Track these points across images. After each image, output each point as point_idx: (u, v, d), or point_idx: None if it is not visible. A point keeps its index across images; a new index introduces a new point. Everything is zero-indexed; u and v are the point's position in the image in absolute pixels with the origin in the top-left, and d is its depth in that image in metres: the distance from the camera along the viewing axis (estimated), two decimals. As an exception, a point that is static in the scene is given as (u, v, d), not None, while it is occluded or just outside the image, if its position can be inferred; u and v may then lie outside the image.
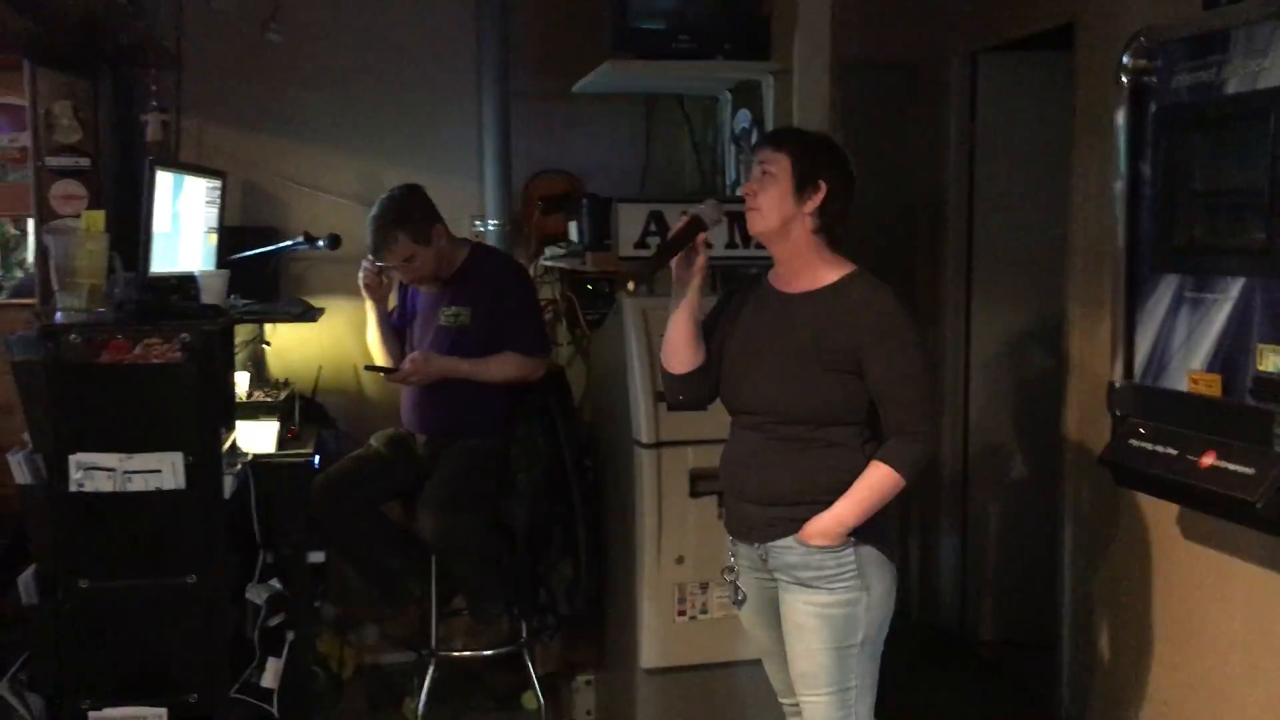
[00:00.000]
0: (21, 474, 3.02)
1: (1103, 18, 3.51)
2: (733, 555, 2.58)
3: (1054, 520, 3.82)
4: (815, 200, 2.37)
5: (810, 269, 2.42)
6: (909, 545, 4.85)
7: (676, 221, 2.48)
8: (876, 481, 2.33)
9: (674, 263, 2.45)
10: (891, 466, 2.33)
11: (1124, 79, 2.85)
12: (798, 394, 2.37)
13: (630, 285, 2.52)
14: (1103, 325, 3.37)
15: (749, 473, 2.45)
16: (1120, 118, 2.87)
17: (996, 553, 4.59)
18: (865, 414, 2.37)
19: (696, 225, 2.43)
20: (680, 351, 2.52)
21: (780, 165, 2.37)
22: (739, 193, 2.50)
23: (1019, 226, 4.43)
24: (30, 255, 6.52)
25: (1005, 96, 4.45)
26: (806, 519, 2.35)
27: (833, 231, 2.42)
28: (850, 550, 2.35)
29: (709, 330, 2.55)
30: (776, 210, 2.37)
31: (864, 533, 2.36)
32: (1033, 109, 4.35)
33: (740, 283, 2.73)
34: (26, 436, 3.12)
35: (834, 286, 2.39)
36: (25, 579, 3.10)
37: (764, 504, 2.43)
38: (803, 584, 2.39)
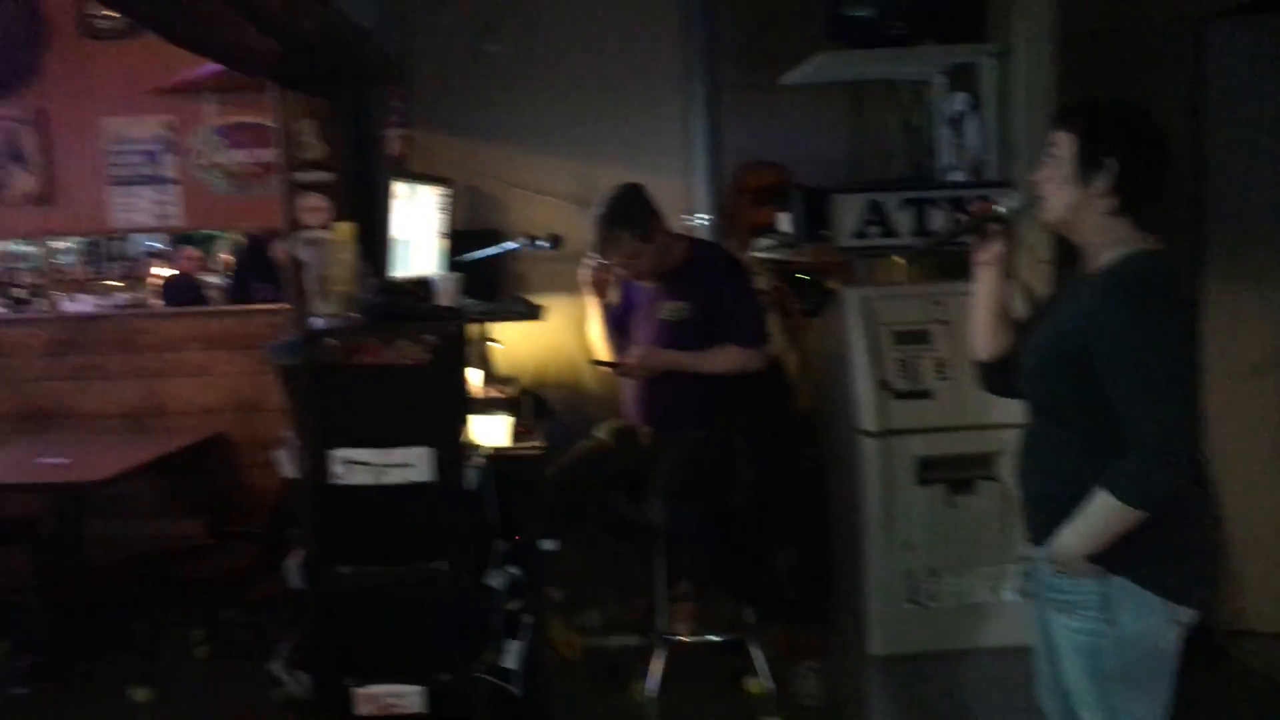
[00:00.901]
0: (288, 468, 3.26)
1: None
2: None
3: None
4: (1104, 181, 2.12)
5: (1098, 252, 2.18)
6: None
7: (973, 206, 2.38)
8: (1098, 508, 2.07)
9: (974, 245, 2.36)
10: (1112, 493, 2.05)
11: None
12: (1038, 381, 2.22)
13: (899, 260, 2.46)
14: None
15: (1019, 463, 2.33)
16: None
17: (1231, 541, 4.39)
18: (1109, 418, 2.08)
19: (989, 215, 2.31)
20: (979, 337, 2.42)
21: (1064, 145, 2.15)
22: (1031, 178, 2.28)
23: (1258, 208, 4.19)
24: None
25: (1237, 64, 4.23)
26: (1054, 528, 2.16)
27: (1140, 209, 2.14)
28: (1092, 579, 2.14)
29: (1030, 319, 2.40)
30: (1061, 199, 2.17)
31: (1116, 561, 2.10)
32: (1266, 76, 4.12)
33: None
34: (289, 433, 3.36)
35: (1101, 270, 2.16)
36: (291, 564, 3.34)
37: (1027, 503, 2.31)
38: (1055, 605, 2.25)
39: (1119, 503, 2.05)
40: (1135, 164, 2.12)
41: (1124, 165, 2.11)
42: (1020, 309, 2.48)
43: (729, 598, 3.77)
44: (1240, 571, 4.35)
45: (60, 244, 5.83)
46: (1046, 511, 2.20)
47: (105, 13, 4.67)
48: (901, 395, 3.26)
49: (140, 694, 4.03)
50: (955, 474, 3.25)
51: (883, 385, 3.27)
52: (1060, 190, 2.17)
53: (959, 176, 3.89)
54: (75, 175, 4.85)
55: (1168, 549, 2.13)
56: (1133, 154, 2.12)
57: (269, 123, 4.21)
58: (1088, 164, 2.13)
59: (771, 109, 4.49)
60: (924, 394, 3.27)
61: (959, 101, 3.88)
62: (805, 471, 3.77)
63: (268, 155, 4.57)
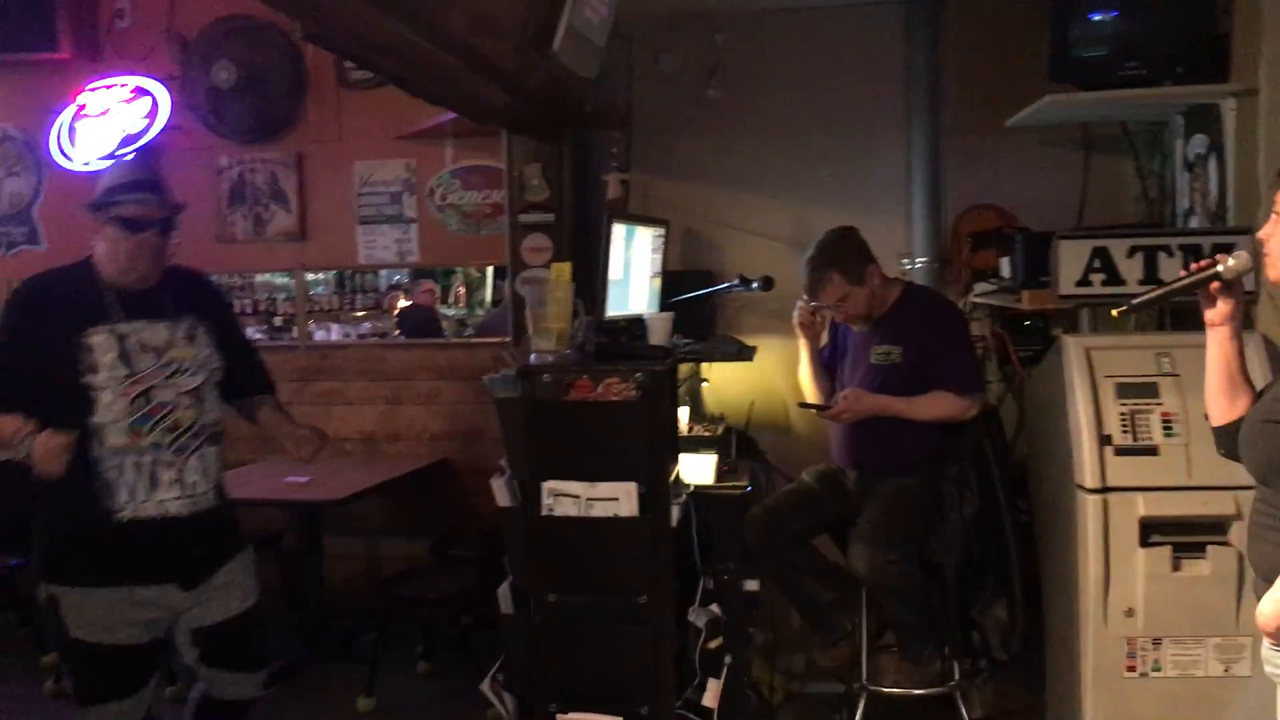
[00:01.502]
0: (502, 497, 3.40)
1: None
2: None
3: None
4: None
5: None
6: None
7: (1194, 264, 2.28)
8: None
9: (1202, 306, 2.27)
10: None
11: None
12: (1257, 449, 2.13)
13: (1114, 312, 2.37)
14: None
15: (1248, 537, 2.22)
16: None
17: None
18: None
19: (1209, 272, 2.23)
20: (1212, 400, 2.33)
21: None
22: (1257, 235, 2.20)
23: None
24: (488, 296, 7.32)
25: None
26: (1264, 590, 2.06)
27: None
28: None
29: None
30: None
31: None
32: None
33: None
34: (504, 463, 3.52)
35: None
36: (504, 590, 3.48)
37: (1258, 578, 2.19)
38: (1269, 665, 2.14)
39: None
40: None
41: None
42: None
43: (935, 651, 3.66)
44: None
45: (313, 276, 6.28)
46: (1263, 578, 2.09)
47: (359, 65, 5.04)
48: (1124, 451, 3.11)
49: (364, 704, 4.27)
50: (1182, 537, 3.07)
51: (1104, 439, 3.12)
52: None
53: (1197, 223, 3.69)
54: (328, 214, 5.24)
55: None
56: None
57: (500, 165, 4.44)
58: None
59: (995, 151, 4.39)
60: (1149, 450, 3.10)
61: (1198, 144, 3.69)
62: (1019, 525, 3.63)
63: (497, 196, 4.81)
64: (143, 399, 2.78)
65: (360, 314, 7.09)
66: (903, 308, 3.65)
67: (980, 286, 4.20)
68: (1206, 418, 2.37)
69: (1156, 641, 3.10)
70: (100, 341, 2.75)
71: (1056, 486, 3.35)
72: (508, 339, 4.51)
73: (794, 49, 4.46)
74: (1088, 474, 3.13)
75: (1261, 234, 2.15)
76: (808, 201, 4.44)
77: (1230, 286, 2.22)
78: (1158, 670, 3.12)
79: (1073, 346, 3.23)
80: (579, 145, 4.18)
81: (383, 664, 4.46)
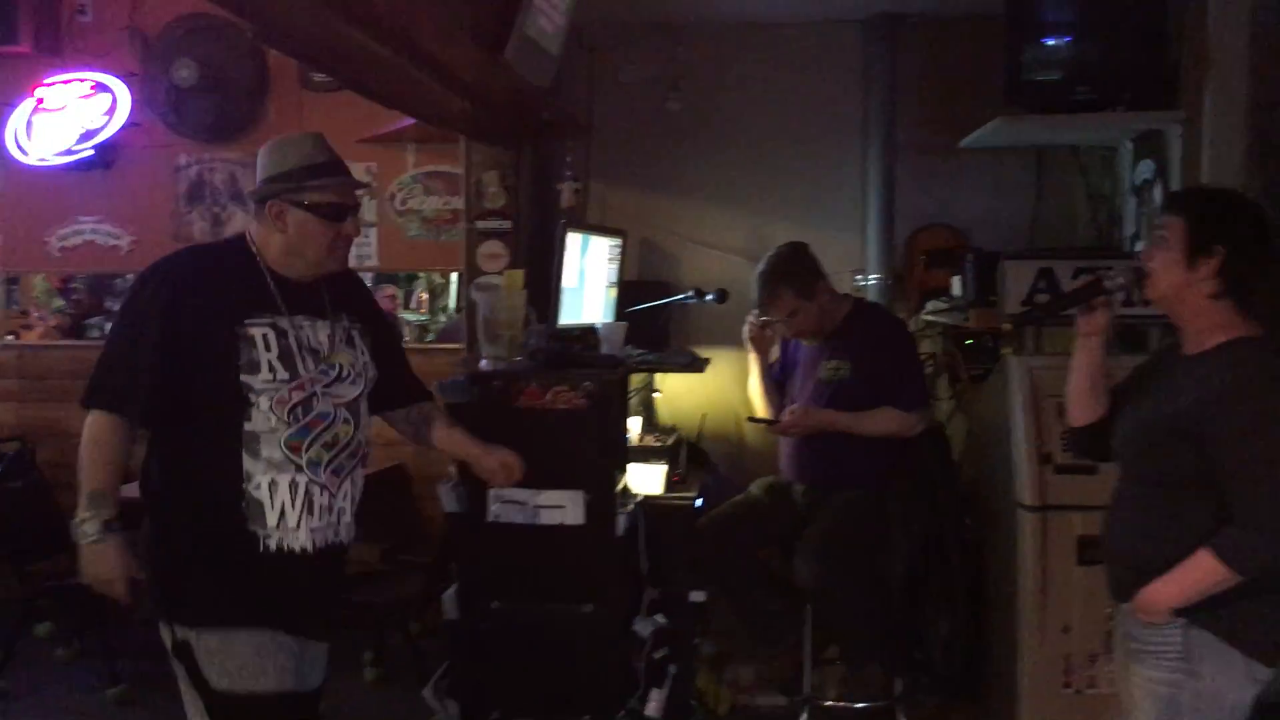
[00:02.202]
0: (450, 503, 3.41)
1: None
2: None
3: None
4: (1209, 266, 2.22)
5: (1202, 334, 2.28)
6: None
7: (1078, 281, 2.46)
8: (1200, 568, 2.14)
9: (1078, 317, 2.44)
10: (1221, 557, 2.12)
11: None
12: (1143, 453, 2.29)
13: (1006, 326, 2.49)
14: None
15: (1108, 527, 2.39)
16: None
17: None
18: (1213, 490, 2.17)
19: (1095, 288, 2.40)
20: (1075, 404, 2.50)
21: (1173, 230, 2.26)
22: (1140, 255, 2.40)
23: None
24: (452, 302, 7.32)
25: None
26: (1143, 585, 2.23)
27: (1239, 295, 2.24)
28: (1175, 629, 2.20)
29: (1121, 386, 2.47)
30: (1165, 278, 2.26)
31: (1202, 614, 2.18)
32: None
33: (1166, 344, 2.61)
34: (453, 469, 3.52)
35: (1208, 351, 2.25)
36: (449, 596, 3.48)
37: (1113, 562, 2.37)
38: (1135, 655, 2.29)
39: (1224, 567, 2.13)
40: (1241, 253, 2.23)
41: (1230, 253, 2.22)
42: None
43: (878, 666, 3.69)
44: None
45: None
46: (1138, 570, 2.25)
47: (321, 68, 5.02)
48: (1064, 470, 3.15)
49: (309, 709, 4.23)
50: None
51: (1044, 458, 3.17)
52: (1167, 271, 2.26)
53: (1143, 247, 3.75)
54: (286, 216, 5.19)
55: (1253, 608, 2.19)
56: (1240, 244, 2.23)
57: (460, 171, 4.45)
58: (1195, 249, 2.24)
59: (949, 171, 4.44)
60: (1088, 470, 3.15)
61: (1146, 169, 3.76)
62: (963, 542, 3.68)
63: (457, 202, 4.81)
64: (302, 408, 2.34)
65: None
66: (852, 324, 3.69)
67: (931, 305, 4.25)
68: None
69: (1093, 658, 3.15)
70: (261, 335, 2.32)
71: (998, 503, 3.39)
72: (458, 345, 4.51)
73: (754, 63, 4.50)
74: (1028, 492, 3.17)
75: (1142, 255, 2.35)
76: (765, 215, 4.48)
77: (1110, 301, 2.40)
78: (1093, 687, 3.16)
79: (1016, 366, 3.28)
80: (539, 154, 4.19)
81: (331, 671, 4.43)
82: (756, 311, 3.73)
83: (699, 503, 3.82)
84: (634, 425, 4.09)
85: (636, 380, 4.28)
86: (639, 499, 3.69)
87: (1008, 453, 3.26)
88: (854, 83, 4.44)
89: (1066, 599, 3.14)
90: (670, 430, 4.20)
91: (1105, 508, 2.42)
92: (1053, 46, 3.71)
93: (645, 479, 3.83)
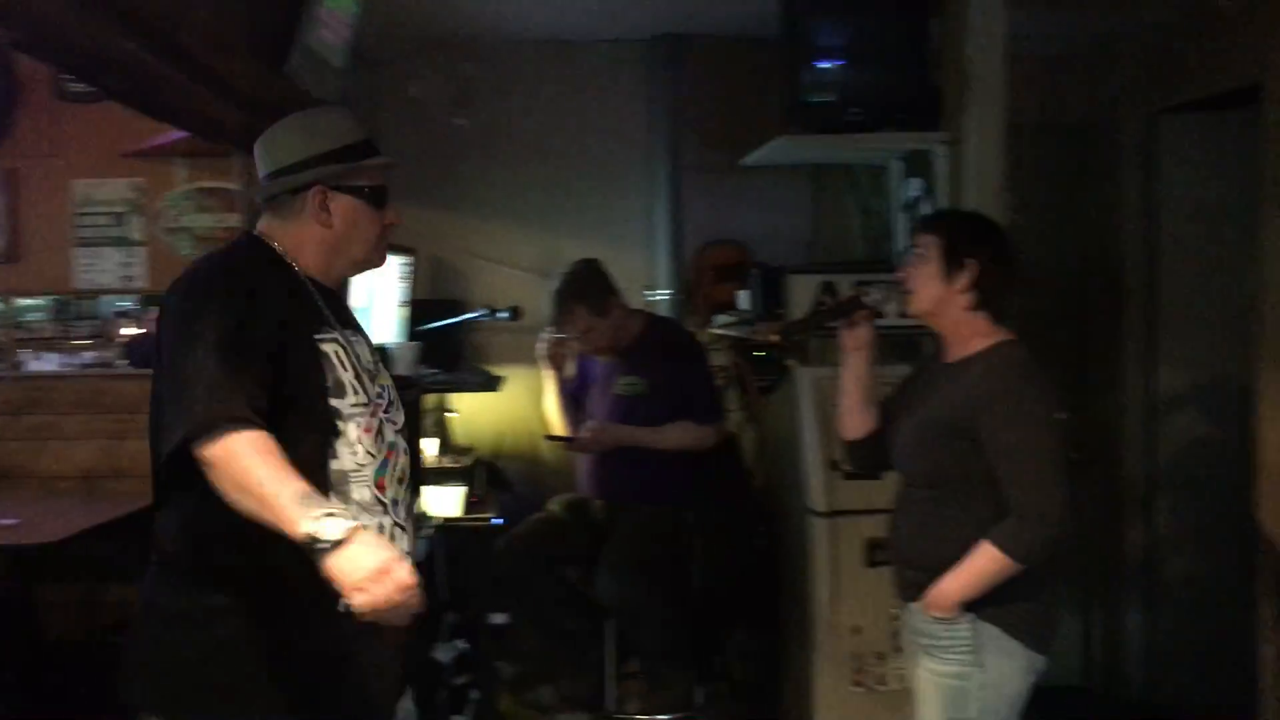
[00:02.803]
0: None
1: (1291, 77, 3.42)
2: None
3: (1249, 583, 3.65)
4: (965, 279, 2.39)
5: (963, 341, 2.45)
6: (1091, 619, 4.69)
7: (842, 295, 2.58)
8: (982, 560, 2.29)
9: (842, 332, 2.57)
10: (998, 546, 2.27)
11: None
12: (921, 458, 2.44)
13: (774, 337, 2.58)
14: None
15: (895, 531, 2.52)
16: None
17: (1187, 617, 4.40)
18: (992, 485, 2.32)
19: (855, 303, 2.57)
20: (846, 417, 2.63)
21: (930, 246, 2.44)
22: (899, 273, 2.55)
23: (1205, 290, 4.29)
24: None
25: (1187, 157, 4.34)
26: (931, 584, 2.36)
27: (993, 305, 2.43)
28: (965, 624, 2.34)
29: (890, 399, 2.61)
30: (926, 291, 2.43)
31: (987, 609, 2.33)
32: (1216, 169, 4.24)
33: (929, 356, 2.77)
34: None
35: (973, 356, 2.42)
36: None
37: (901, 563, 2.50)
38: (924, 650, 2.42)
39: (1003, 556, 2.27)
40: (991, 265, 2.41)
41: (982, 267, 2.40)
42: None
43: (679, 677, 3.73)
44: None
45: (29, 301, 5.80)
46: (925, 571, 2.38)
47: (79, 76, 4.70)
48: (851, 476, 3.28)
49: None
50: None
51: (833, 465, 3.29)
52: (927, 285, 2.43)
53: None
54: (42, 235, 4.84)
55: (1030, 600, 2.35)
56: (990, 257, 2.42)
57: (236, 187, 4.25)
58: (952, 262, 2.41)
59: (734, 188, 4.56)
60: (874, 475, 3.28)
61: (914, 187, 3.96)
62: (759, 551, 3.77)
63: (233, 220, 4.59)
64: (379, 438, 1.97)
65: (81, 342, 6.58)
66: (645, 339, 3.74)
67: (720, 319, 4.35)
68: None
69: (881, 656, 3.28)
70: (334, 352, 1.93)
71: (791, 511, 3.50)
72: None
73: (542, 80, 4.50)
74: (818, 498, 3.28)
75: (902, 273, 2.50)
76: (556, 232, 4.48)
77: (870, 315, 2.57)
78: (882, 684, 3.30)
79: (804, 377, 3.39)
80: (321, 170, 4.04)
81: (105, 716, 4.14)
82: (552, 328, 3.73)
83: (498, 523, 3.77)
84: (429, 447, 4.01)
85: (430, 401, 4.20)
86: (437, 522, 3.63)
87: (798, 461, 3.37)
88: (640, 101, 4.51)
89: (856, 601, 3.27)
90: (467, 451, 4.14)
91: (890, 511, 2.54)
92: (825, 70, 3.86)
93: (443, 501, 3.77)
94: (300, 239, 2.01)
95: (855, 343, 2.57)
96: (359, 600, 1.67)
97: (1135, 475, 4.43)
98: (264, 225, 2.06)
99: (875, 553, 3.25)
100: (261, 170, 2.09)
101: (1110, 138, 4.53)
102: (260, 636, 1.84)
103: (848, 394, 2.61)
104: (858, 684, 3.29)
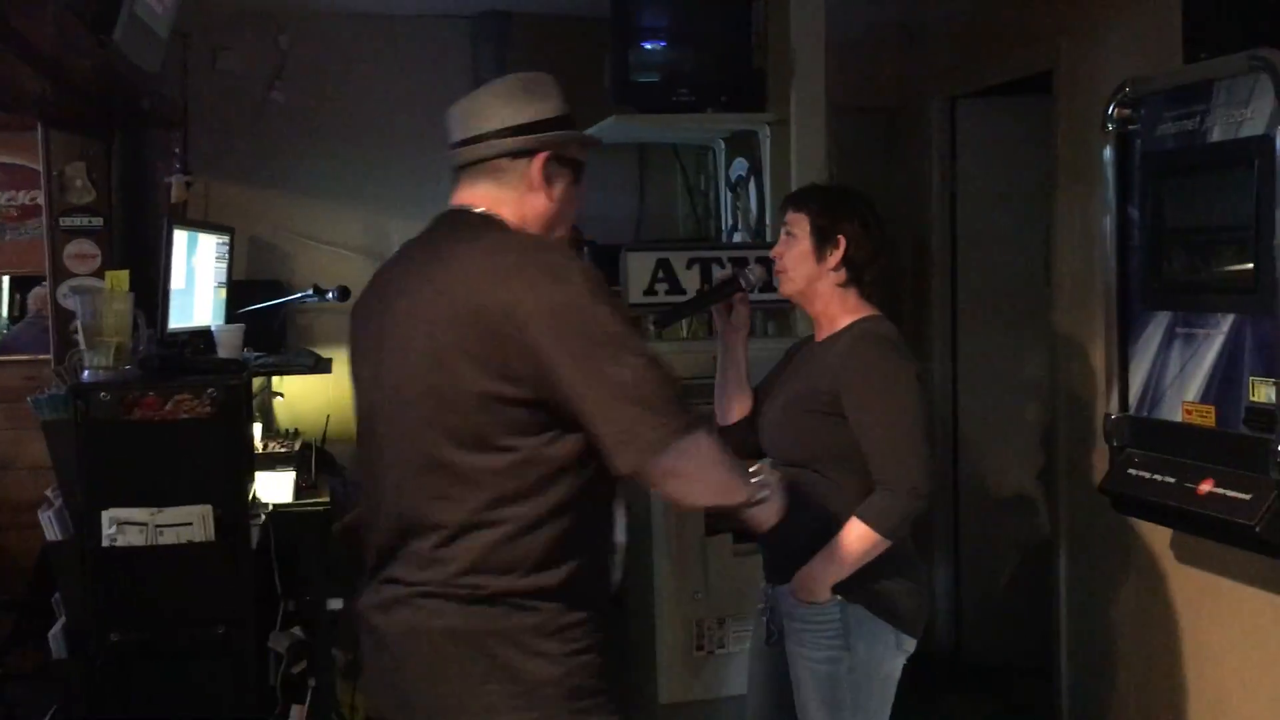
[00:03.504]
0: (52, 530, 3.07)
1: (1079, 66, 3.69)
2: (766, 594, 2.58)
3: (1048, 545, 3.95)
4: (836, 255, 2.40)
5: (833, 319, 2.45)
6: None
7: (719, 275, 2.56)
8: (851, 537, 2.27)
9: (716, 316, 2.55)
10: (866, 522, 2.26)
11: (1110, 126, 3.01)
12: (789, 435, 2.43)
13: (652, 325, 2.58)
14: (1090, 359, 3.54)
15: None
16: (1108, 162, 3.03)
17: (990, 578, 4.72)
18: (860, 462, 2.33)
19: (732, 286, 2.52)
20: (722, 401, 2.59)
21: (800, 225, 2.42)
22: (770, 254, 2.53)
23: (1001, 264, 4.60)
24: (3, 310, 6.55)
25: (985, 139, 4.63)
26: (799, 566, 2.35)
27: (861, 280, 2.43)
28: (834, 607, 2.33)
29: (762, 384, 2.60)
30: (801, 271, 2.42)
31: (855, 591, 2.32)
32: (1012, 151, 4.53)
33: (801, 339, 2.75)
34: (50, 493, 3.17)
35: (841, 331, 2.43)
36: (55, 633, 3.14)
37: (771, 545, 2.46)
38: (794, 634, 2.41)
39: (871, 532, 2.27)
40: (859, 240, 2.42)
41: (851, 242, 2.40)
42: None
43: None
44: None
45: None
46: (792, 550, 2.36)
47: None
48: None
49: None
50: (738, 525, 3.37)
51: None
52: (801, 264, 2.43)
53: (740, 238, 4.08)
54: None
55: (897, 579, 2.37)
56: (858, 230, 2.42)
57: (34, 164, 3.99)
58: (823, 239, 2.41)
59: (561, 167, 4.57)
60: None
61: (739, 167, 4.08)
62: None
63: (25, 199, 4.31)
64: None
65: None
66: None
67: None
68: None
69: (721, 621, 3.39)
70: None
71: (635, 485, 3.54)
72: (44, 356, 4.05)
73: (364, 55, 4.40)
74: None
75: (774, 252, 2.50)
76: (383, 212, 4.39)
77: (746, 297, 2.54)
78: (722, 647, 3.40)
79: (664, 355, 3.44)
80: (133, 144, 3.84)
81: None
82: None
83: (330, 505, 3.69)
84: (255, 431, 3.88)
85: (255, 385, 4.06)
86: (269, 508, 3.52)
87: (638, 434, 3.42)
88: (465, 78, 4.46)
89: (698, 568, 3.36)
90: (294, 435, 4.03)
91: None
92: (651, 50, 3.93)
93: (274, 487, 3.66)
94: (523, 212, 1.86)
95: (732, 325, 2.53)
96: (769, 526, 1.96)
97: (943, 439, 4.70)
98: (471, 195, 1.87)
99: (714, 521, 3.34)
100: (467, 132, 1.88)
101: (916, 121, 4.78)
102: (604, 642, 1.78)
103: (724, 378, 2.55)
104: (699, 648, 3.39)
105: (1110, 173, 3.03)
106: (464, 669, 1.69)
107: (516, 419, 1.65)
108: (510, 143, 1.83)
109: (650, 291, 3.51)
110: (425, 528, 1.72)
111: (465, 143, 1.87)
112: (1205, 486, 2.71)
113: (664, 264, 3.52)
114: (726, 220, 4.25)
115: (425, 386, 1.69)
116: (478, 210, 1.84)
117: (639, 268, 3.51)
